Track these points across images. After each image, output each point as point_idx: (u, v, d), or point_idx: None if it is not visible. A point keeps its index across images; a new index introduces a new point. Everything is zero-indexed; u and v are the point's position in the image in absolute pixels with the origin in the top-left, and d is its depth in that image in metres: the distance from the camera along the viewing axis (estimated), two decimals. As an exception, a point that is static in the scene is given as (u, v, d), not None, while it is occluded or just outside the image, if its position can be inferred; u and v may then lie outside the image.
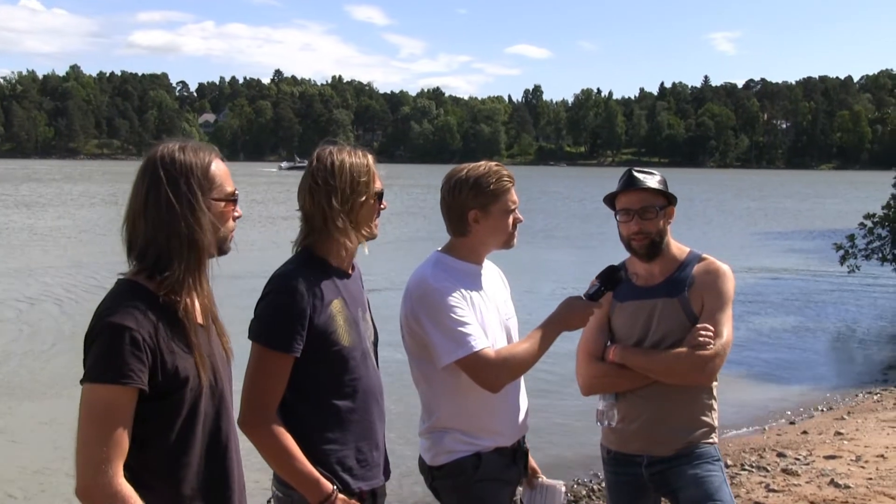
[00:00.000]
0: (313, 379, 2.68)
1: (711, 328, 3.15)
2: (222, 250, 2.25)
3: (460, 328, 2.89)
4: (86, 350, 2.07)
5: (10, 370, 11.24)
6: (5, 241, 26.68)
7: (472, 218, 3.03)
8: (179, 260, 2.11)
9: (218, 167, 2.21)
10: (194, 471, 2.15)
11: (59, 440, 8.47)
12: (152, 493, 2.06)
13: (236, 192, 2.26)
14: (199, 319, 2.21)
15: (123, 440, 2.01)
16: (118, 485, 1.99)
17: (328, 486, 2.62)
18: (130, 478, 2.02)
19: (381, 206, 2.86)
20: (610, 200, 3.36)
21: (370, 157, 2.82)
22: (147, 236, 2.11)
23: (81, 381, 2.04)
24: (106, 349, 2.01)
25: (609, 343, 3.35)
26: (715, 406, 3.31)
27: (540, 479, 3.30)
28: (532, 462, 3.31)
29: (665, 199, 3.28)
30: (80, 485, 2.00)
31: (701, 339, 3.14)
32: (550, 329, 2.99)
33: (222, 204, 2.21)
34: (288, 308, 2.62)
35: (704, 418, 3.27)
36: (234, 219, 2.27)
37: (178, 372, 2.09)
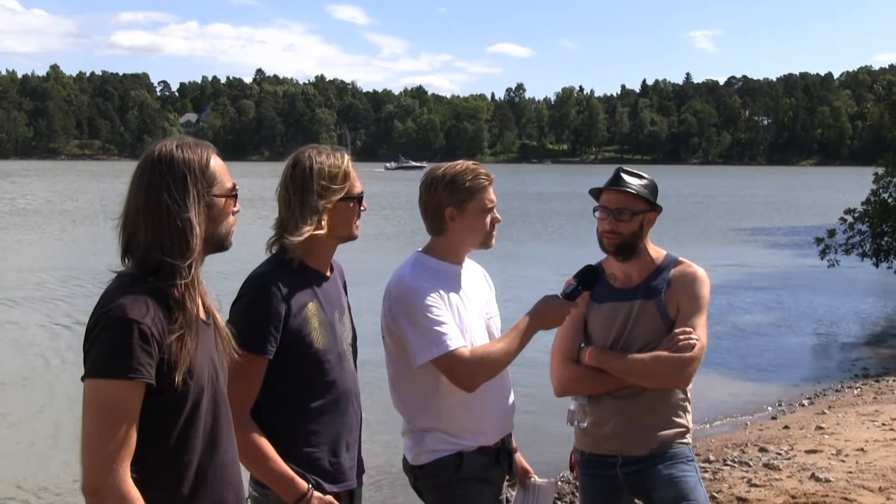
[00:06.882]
0: (287, 381, 2.69)
1: (691, 331, 3.15)
2: (223, 247, 2.24)
3: (436, 327, 2.89)
4: (87, 345, 2.01)
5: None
6: None
7: (449, 216, 3.02)
8: (181, 258, 2.07)
9: (216, 163, 2.19)
10: (193, 469, 2.11)
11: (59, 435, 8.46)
12: (150, 489, 2.01)
13: (236, 187, 2.25)
14: (202, 315, 2.19)
15: (132, 437, 1.96)
16: (128, 486, 1.94)
17: (303, 484, 2.63)
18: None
19: (362, 208, 2.86)
20: (596, 195, 3.36)
21: (348, 159, 2.81)
22: (147, 235, 2.07)
23: (84, 377, 1.98)
24: (112, 343, 1.95)
25: (583, 344, 3.34)
26: (689, 407, 3.31)
27: (532, 479, 3.31)
28: (523, 462, 3.32)
29: (646, 205, 3.26)
30: (89, 483, 1.93)
31: (681, 342, 3.13)
32: (526, 328, 2.99)
33: (223, 200, 2.20)
34: (262, 310, 2.62)
35: (678, 419, 3.26)
36: (234, 213, 2.25)
37: (183, 367, 2.04)
